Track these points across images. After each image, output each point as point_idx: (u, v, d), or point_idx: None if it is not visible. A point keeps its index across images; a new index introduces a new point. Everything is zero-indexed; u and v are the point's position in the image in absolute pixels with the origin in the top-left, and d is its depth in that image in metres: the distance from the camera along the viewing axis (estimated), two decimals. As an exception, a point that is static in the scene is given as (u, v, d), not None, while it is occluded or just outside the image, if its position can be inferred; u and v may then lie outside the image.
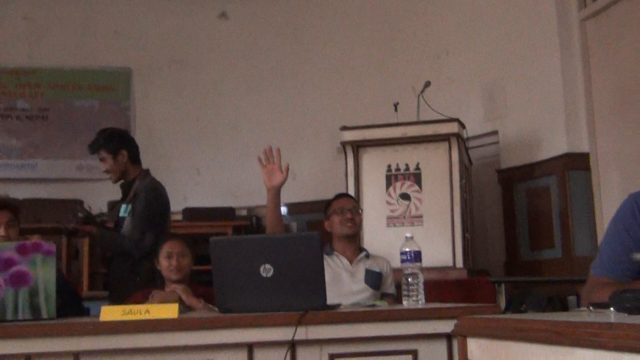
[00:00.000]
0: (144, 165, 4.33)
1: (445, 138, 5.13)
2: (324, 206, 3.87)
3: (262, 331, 2.42)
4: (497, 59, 6.21)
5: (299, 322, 2.39)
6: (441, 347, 2.51)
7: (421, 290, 2.75)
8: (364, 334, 2.47)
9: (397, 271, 3.16)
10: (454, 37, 6.59)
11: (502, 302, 4.94)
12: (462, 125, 5.29)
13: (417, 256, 2.76)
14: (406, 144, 5.23)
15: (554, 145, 5.69)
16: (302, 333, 2.41)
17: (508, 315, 2.04)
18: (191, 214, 6.69)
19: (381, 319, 2.50)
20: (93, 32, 7.60)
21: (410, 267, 2.76)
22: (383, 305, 3.03)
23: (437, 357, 2.50)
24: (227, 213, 6.82)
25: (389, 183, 5.22)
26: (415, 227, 5.00)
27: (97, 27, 7.61)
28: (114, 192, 4.51)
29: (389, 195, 5.20)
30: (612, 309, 1.48)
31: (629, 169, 5.24)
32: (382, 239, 5.02)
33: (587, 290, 2.03)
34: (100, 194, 6.38)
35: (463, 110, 6.06)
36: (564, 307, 4.79)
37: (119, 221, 4.17)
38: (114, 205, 5.64)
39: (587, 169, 5.55)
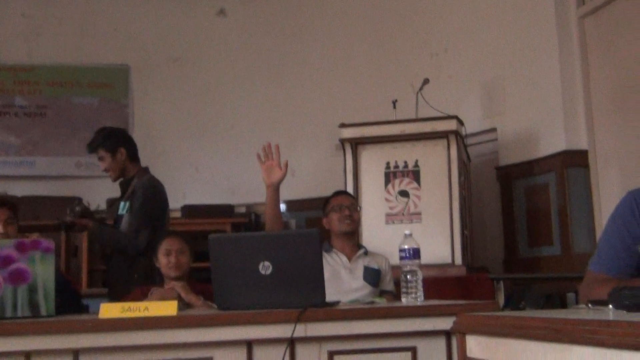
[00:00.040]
0: (143, 163, 4.33)
1: (443, 135, 5.13)
2: (322, 203, 3.88)
3: (261, 328, 2.43)
4: (495, 57, 6.21)
5: (298, 320, 2.39)
6: (440, 344, 2.52)
7: (420, 288, 2.76)
8: (363, 331, 2.48)
9: (396, 268, 3.16)
10: (453, 35, 6.59)
11: (501, 299, 4.95)
12: (461, 123, 5.29)
13: (416, 253, 2.77)
14: (405, 141, 5.23)
15: (553, 143, 5.69)
16: (301, 330, 2.41)
17: (507, 313, 2.04)
18: (190, 211, 6.69)
19: (380, 316, 2.50)
20: (91, 30, 7.59)
21: (409, 264, 2.76)
22: (382, 302, 3.03)
23: (436, 354, 2.51)
24: (225, 210, 6.82)
25: (387, 180, 5.22)
26: (414, 224, 5.01)
27: (96, 24, 7.61)
28: (113, 189, 4.50)
29: (388, 192, 5.21)
30: (610, 306, 1.48)
31: (628, 166, 5.24)
32: (381, 236, 5.02)
33: (586, 287, 2.03)
34: (99, 191, 6.38)
35: (462, 108, 6.06)
36: (563, 304, 4.80)
37: (118, 218, 4.18)
38: (113, 203, 5.64)
39: (586, 166, 5.55)
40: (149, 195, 4.09)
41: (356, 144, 5.30)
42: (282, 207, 6.54)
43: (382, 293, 3.68)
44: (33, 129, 7.41)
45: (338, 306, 2.71)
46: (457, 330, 1.67)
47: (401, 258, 2.77)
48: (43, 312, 2.57)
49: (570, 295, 4.83)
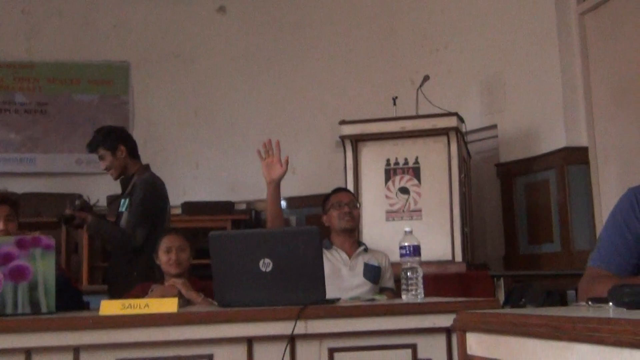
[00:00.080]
0: (143, 160, 4.34)
1: (444, 132, 5.14)
2: (322, 200, 3.88)
3: (262, 325, 2.43)
4: (496, 53, 6.20)
5: (298, 317, 2.39)
6: (440, 341, 2.52)
7: (420, 285, 2.75)
8: (363, 328, 2.48)
9: (396, 265, 3.16)
10: (453, 31, 6.59)
11: (501, 296, 4.95)
12: (461, 119, 5.29)
13: (416, 250, 2.76)
14: (405, 138, 5.24)
15: (553, 139, 5.69)
16: (301, 327, 2.41)
17: (507, 310, 2.04)
18: (190, 208, 6.70)
19: (380, 313, 2.51)
20: (91, 26, 7.59)
21: (409, 262, 2.75)
22: (382, 299, 3.04)
23: (436, 351, 2.51)
24: (226, 207, 6.82)
25: (388, 177, 5.23)
26: (414, 221, 5.01)
27: (96, 21, 7.60)
28: (114, 186, 4.51)
29: (388, 189, 5.21)
30: (610, 303, 1.48)
31: (628, 163, 5.24)
32: (381, 233, 5.03)
33: (585, 283, 2.03)
34: (99, 188, 6.38)
35: (462, 104, 6.06)
36: (563, 301, 4.80)
37: (119, 216, 4.18)
38: (113, 200, 5.65)
39: (586, 162, 5.55)
40: (148, 192, 4.09)
41: (356, 140, 5.30)
42: (283, 204, 6.53)
43: (382, 290, 3.69)
44: (33, 126, 7.41)
45: (338, 303, 2.72)
46: (458, 327, 1.67)
47: (401, 255, 2.77)
48: (43, 309, 2.57)
49: (571, 293, 4.83)
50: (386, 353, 2.50)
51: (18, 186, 6.97)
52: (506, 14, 6.14)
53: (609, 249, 2.03)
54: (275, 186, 3.48)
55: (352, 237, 3.84)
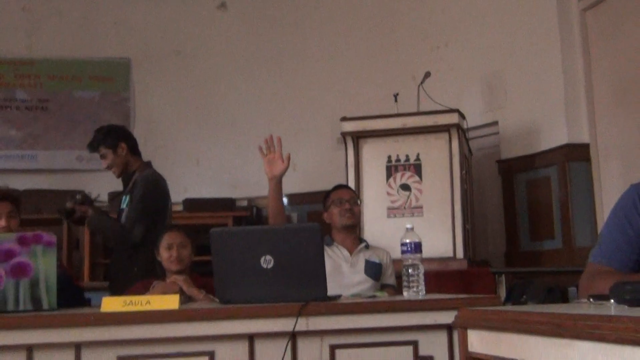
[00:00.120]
0: (144, 156, 4.34)
1: (445, 129, 5.13)
2: (323, 198, 3.88)
3: (263, 322, 2.43)
4: (497, 50, 6.20)
5: (299, 313, 2.40)
6: (442, 338, 2.52)
7: (421, 281, 2.75)
8: (365, 325, 2.48)
9: (397, 262, 3.16)
10: (454, 28, 6.58)
11: (503, 293, 4.94)
12: (462, 116, 5.29)
13: (417, 247, 2.76)
14: (406, 134, 5.23)
15: (554, 136, 5.68)
16: (302, 324, 2.41)
17: (509, 307, 2.04)
18: (191, 204, 6.70)
19: (382, 310, 2.51)
20: (92, 23, 7.58)
21: (410, 258, 2.76)
22: (383, 296, 3.04)
23: (437, 348, 2.51)
24: (227, 204, 6.82)
25: (389, 174, 5.23)
26: (415, 218, 5.01)
27: (96, 17, 7.60)
28: (115, 183, 4.51)
29: (389, 186, 5.21)
30: (612, 301, 1.48)
31: (630, 160, 5.24)
32: (383, 229, 5.03)
33: (587, 279, 2.02)
34: (100, 184, 6.37)
35: (463, 101, 6.06)
36: (564, 298, 4.78)
37: (120, 212, 4.19)
38: (114, 197, 5.65)
39: (588, 159, 5.55)
40: (148, 189, 4.09)
41: (357, 137, 5.30)
42: (284, 200, 6.54)
43: (383, 287, 3.69)
44: (34, 123, 7.41)
45: (339, 300, 2.72)
46: (459, 324, 1.67)
47: (402, 252, 2.77)
48: (45, 305, 2.57)
49: (572, 290, 4.82)
50: (387, 350, 2.50)
51: (19, 183, 6.97)
52: (507, 11, 6.13)
53: (611, 245, 2.03)
54: (277, 182, 3.48)
55: (353, 234, 3.84)
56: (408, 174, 5.19)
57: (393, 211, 5.17)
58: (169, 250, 3.50)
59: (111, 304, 2.47)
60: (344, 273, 3.65)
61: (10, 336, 2.34)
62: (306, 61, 7.39)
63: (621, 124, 5.34)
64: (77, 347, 2.38)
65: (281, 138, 3.50)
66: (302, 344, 2.46)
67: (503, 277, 5.11)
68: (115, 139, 4.18)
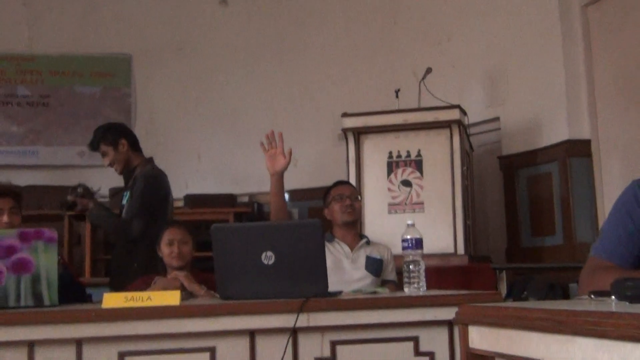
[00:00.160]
0: (145, 151, 4.34)
1: (446, 125, 5.13)
2: (323, 194, 3.88)
3: (264, 318, 2.43)
4: (498, 45, 6.19)
5: (300, 309, 2.40)
6: (442, 334, 2.52)
7: (422, 277, 2.76)
8: (366, 321, 2.48)
9: (398, 258, 3.17)
10: (456, 23, 6.57)
11: (504, 289, 4.96)
12: (464, 112, 5.29)
13: (418, 243, 2.77)
14: (407, 130, 5.24)
15: (556, 132, 5.68)
16: (303, 320, 2.42)
17: (509, 304, 2.03)
18: (192, 200, 6.70)
19: (382, 306, 2.51)
20: (93, 19, 7.58)
21: (411, 254, 2.76)
22: (384, 292, 3.04)
23: (438, 344, 2.51)
24: (228, 200, 6.82)
25: (390, 170, 5.23)
26: (416, 214, 5.01)
27: (97, 13, 7.59)
28: (116, 179, 4.51)
29: (390, 182, 5.21)
30: (613, 297, 1.48)
31: (631, 156, 5.24)
32: (384, 225, 5.03)
33: (587, 273, 2.02)
34: (101, 180, 6.32)
35: (464, 97, 6.05)
36: (565, 294, 4.80)
37: (122, 209, 4.19)
38: (115, 193, 5.66)
39: (589, 155, 5.55)
40: (148, 184, 4.10)
41: (359, 133, 5.30)
42: (285, 196, 6.54)
43: (384, 283, 3.69)
44: (36, 119, 7.42)
45: (340, 296, 2.72)
46: (460, 321, 1.67)
47: (403, 248, 2.77)
48: (46, 301, 2.57)
49: (573, 286, 4.83)
50: (388, 346, 2.50)
51: (20, 179, 6.98)
52: (509, 6, 6.12)
53: (612, 240, 2.02)
54: (279, 178, 3.49)
55: (354, 230, 3.84)
56: (409, 169, 5.19)
57: (394, 207, 5.17)
58: (170, 246, 3.50)
59: (112, 300, 2.47)
60: (344, 269, 3.65)
61: (11, 332, 2.34)
62: (307, 56, 7.38)
63: (622, 120, 5.33)
64: (78, 343, 2.38)
65: (282, 134, 3.50)
66: (303, 340, 2.46)
67: (504, 273, 5.11)
68: (115, 136, 4.18)
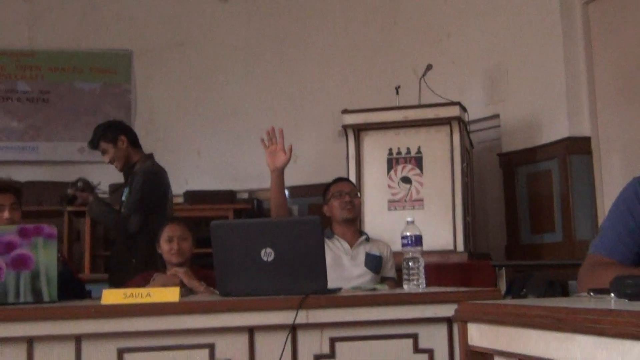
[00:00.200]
0: (145, 148, 4.35)
1: (446, 121, 5.13)
2: (322, 191, 3.88)
3: (263, 315, 2.43)
4: (499, 42, 6.18)
5: (299, 306, 2.40)
6: (442, 331, 2.52)
7: (422, 274, 2.76)
8: (365, 318, 2.48)
9: (397, 255, 3.17)
10: (456, 20, 6.56)
11: (503, 286, 4.95)
12: (464, 109, 5.28)
13: (417, 240, 2.77)
14: (407, 127, 5.23)
15: (556, 129, 5.68)
16: (303, 317, 2.41)
17: (509, 301, 2.03)
18: (192, 197, 6.70)
19: (382, 303, 2.51)
20: (94, 15, 7.57)
21: (411, 251, 2.76)
22: (384, 289, 3.04)
23: (437, 341, 2.51)
24: (228, 196, 6.82)
25: (390, 166, 5.22)
26: (416, 211, 5.01)
27: (98, 9, 7.59)
28: (116, 175, 4.52)
29: (390, 178, 5.21)
30: (612, 295, 1.48)
31: (631, 153, 5.24)
32: (383, 222, 5.03)
33: (587, 270, 2.01)
34: (101, 176, 6.33)
35: (465, 94, 6.05)
36: (565, 291, 4.80)
37: (122, 205, 4.20)
38: (115, 189, 5.66)
39: (589, 152, 5.54)
40: (146, 180, 4.11)
41: (359, 130, 5.29)
42: (286, 193, 6.54)
43: (383, 280, 3.69)
44: (36, 114, 7.41)
45: (340, 293, 2.72)
46: (459, 318, 1.67)
47: (403, 245, 2.77)
48: (45, 297, 2.57)
49: (572, 283, 4.83)
50: (387, 343, 2.50)
51: (20, 174, 6.97)
52: (509, 4, 6.11)
53: (612, 236, 2.02)
54: (279, 174, 3.49)
55: (354, 227, 3.84)
56: (409, 166, 5.19)
57: (394, 204, 5.17)
58: (169, 243, 3.51)
59: (111, 296, 2.47)
60: (344, 266, 3.65)
61: (10, 328, 2.34)
62: (307, 53, 7.38)
63: (623, 117, 5.33)
64: (78, 339, 2.38)
65: (282, 130, 3.50)
66: (302, 337, 2.46)
67: (503, 270, 5.11)
68: (114, 133, 4.20)
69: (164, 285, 3.09)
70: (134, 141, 4.24)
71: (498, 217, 6.22)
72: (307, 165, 6.90)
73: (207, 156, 7.46)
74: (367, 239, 3.79)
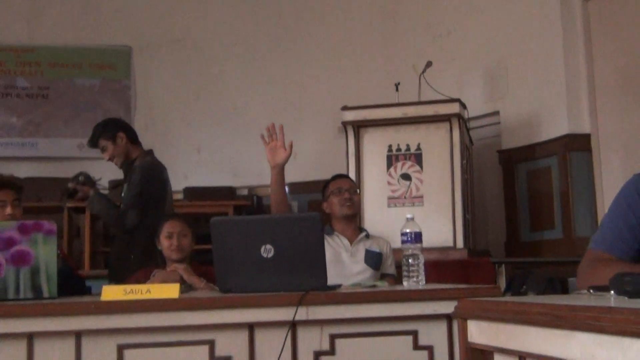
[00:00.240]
0: (145, 144, 4.36)
1: (446, 118, 5.13)
2: (321, 187, 3.88)
3: (263, 311, 2.43)
4: (499, 39, 6.18)
5: (299, 303, 2.40)
6: (441, 327, 2.52)
7: (421, 271, 2.76)
8: (365, 315, 2.48)
9: (397, 251, 3.17)
10: (456, 17, 6.56)
11: (503, 283, 4.95)
12: (464, 106, 5.28)
13: (417, 237, 2.77)
14: (407, 124, 5.23)
15: (555, 126, 5.68)
16: (302, 313, 2.42)
17: (508, 298, 2.04)
18: (192, 193, 6.69)
19: (382, 299, 2.51)
20: (93, 10, 7.56)
21: (410, 248, 2.76)
22: (383, 285, 3.04)
23: (437, 338, 2.51)
24: (228, 193, 6.82)
25: (389, 163, 5.22)
26: (415, 208, 5.01)
27: (97, 5, 7.58)
28: (115, 171, 4.51)
29: (390, 175, 5.21)
30: (612, 292, 1.48)
31: (631, 150, 5.24)
32: (383, 219, 5.03)
33: (586, 266, 2.01)
34: (101, 172, 6.32)
35: (464, 91, 6.05)
36: (564, 288, 4.80)
37: (122, 201, 4.20)
38: (115, 185, 5.66)
39: (588, 150, 5.55)
40: (144, 175, 4.11)
41: (358, 126, 5.29)
42: (286, 189, 6.53)
43: (383, 276, 3.69)
44: (35, 110, 7.40)
45: (339, 289, 2.72)
46: (459, 315, 1.67)
47: (403, 242, 2.77)
48: (45, 294, 2.57)
49: (572, 280, 4.83)
50: (387, 339, 2.50)
51: (20, 171, 6.97)
52: (509, 1, 6.11)
53: (613, 232, 2.02)
54: (280, 170, 3.49)
55: (353, 224, 3.84)
56: (409, 163, 5.19)
57: (393, 201, 5.17)
58: (169, 239, 3.51)
59: (111, 292, 2.47)
60: (344, 262, 3.65)
61: (10, 324, 2.34)
62: (307, 49, 7.37)
63: (622, 115, 5.33)
64: (78, 335, 2.38)
65: (283, 126, 3.50)
66: (302, 333, 2.47)
67: (503, 267, 5.11)
68: (113, 130, 4.21)
69: (164, 281, 3.10)
70: (132, 138, 4.25)
71: (498, 214, 6.22)
72: (306, 162, 6.89)
73: (207, 152, 7.46)
74: (367, 236, 3.79)
